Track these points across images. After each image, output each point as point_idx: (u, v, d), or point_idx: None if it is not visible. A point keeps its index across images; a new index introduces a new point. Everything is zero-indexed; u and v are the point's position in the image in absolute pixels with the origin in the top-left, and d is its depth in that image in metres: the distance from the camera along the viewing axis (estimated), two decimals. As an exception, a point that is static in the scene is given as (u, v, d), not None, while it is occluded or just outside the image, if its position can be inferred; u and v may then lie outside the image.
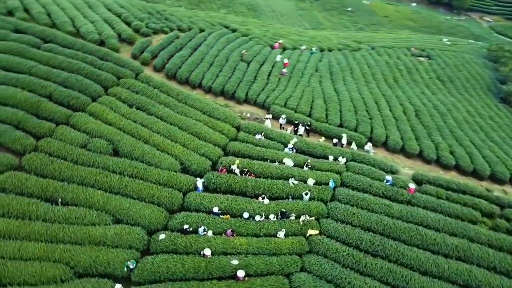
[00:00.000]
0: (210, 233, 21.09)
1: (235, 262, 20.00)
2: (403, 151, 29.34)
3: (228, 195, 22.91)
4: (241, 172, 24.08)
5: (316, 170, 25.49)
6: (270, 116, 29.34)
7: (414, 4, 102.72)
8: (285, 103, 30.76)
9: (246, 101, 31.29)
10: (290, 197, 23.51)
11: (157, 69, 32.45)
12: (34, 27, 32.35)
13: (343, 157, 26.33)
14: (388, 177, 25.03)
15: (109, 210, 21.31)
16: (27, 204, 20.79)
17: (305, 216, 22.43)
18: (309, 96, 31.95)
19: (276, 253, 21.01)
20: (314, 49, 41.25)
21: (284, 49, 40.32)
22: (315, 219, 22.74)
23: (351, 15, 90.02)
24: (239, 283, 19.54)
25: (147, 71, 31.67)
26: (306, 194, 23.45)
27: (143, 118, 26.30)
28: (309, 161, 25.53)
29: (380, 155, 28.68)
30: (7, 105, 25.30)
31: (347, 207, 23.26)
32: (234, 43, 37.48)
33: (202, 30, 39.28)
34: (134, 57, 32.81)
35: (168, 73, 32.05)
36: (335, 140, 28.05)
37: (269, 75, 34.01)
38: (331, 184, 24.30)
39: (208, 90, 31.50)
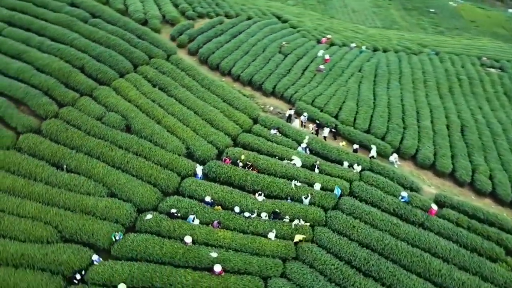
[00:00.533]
0: (197, 221, 20.81)
1: (214, 254, 19.51)
2: (433, 168, 26.45)
3: (225, 186, 22.37)
4: (244, 166, 23.38)
5: (326, 174, 23.95)
6: (292, 111, 28.09)
7: (511, 10, 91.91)
8: (313, 101, 29.23)
9: (273, 93, 30.28)
10: (289, 198, 22.37)
11: (191, 53, 32.62)
12: (87, 2, 34.14)
13: (358, 165, 24.41)
14: (404, 194, 22.71)
15: (106, 183, 21.91)
16: (35, 166, 22.12)
17: (299, 221, 21.20)
18: (341, 97, 30.03)
19: (259, 253, 20.10)
20: (364, 47, 38.68)
21: (332, 44, 38.33)
22: (310, 225, 21.43)
23: (432, 17, 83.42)
24: (213, 276, 19.03)
25: (182, 54, 31.99)
26: (306, 197, 22.13)
27: (162, 99, 26.60)
28: (318, 162, 24.04)
29: (405, 169, 26.15)
30: (43, 72, 27.06)
31: (349, 218, 21.54)
32: (278, 34, 36.41)
33: (249, 18, 38.74)
34: (173, 38, 33.33)
35: (200, 58, 32.07)
36: (355, 146, 26.08)
37: (304, 70, 32.55)
38: (336, 191, 22.66)
39: (237, 79, 30.99)
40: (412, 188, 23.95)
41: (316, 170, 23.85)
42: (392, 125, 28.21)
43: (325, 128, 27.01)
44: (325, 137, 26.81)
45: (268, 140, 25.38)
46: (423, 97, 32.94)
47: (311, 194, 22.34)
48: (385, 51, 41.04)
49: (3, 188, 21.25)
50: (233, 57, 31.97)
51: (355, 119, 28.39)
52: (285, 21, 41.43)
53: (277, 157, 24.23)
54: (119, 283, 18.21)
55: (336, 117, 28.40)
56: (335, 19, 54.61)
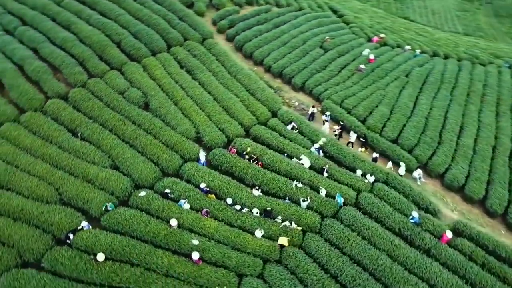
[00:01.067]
0: (187, 206, 20.66)
1: (195, 242, 19.26)
2: (462, 192, 23.53)
3: (224, 176, 21.93)
4: (249, 158, 22.69)
5: (334, 180, 22.43)
6: (315, 109, 26.62)
7: None
8: (342, 101, 27.39)
9: (302, 89, 28.93)
10: (287, 198, 21.31)
11: (228, 39, 32.29)
12: (141, -20, 35.33)
13: (371, 175, 22.48)
14: (415, 214, 20.50)
15: (112, 155, 22.58)
16: (54, 129, 23.44)
17: (291, 223, 20.11)
18: (375, 101, 27.76)
19: (240, 249, 19.46)
20: (418, 51, 35.38)
21: (384, 44, 35.60)
22: (302, 230, 20.25)
23: (530, 27, 74.52)
24: (189, 263, 18.82)
25: (219, 39, 31.85)
26: (304, 200, 20.92)
27: (186, 81, 26.70)
28: (327, 166, 22.56)
29: (428, 187, 23.60)
30: (84, 43, 28.53)
31: (345, 230, 20.00)
32: (325, 28, 34.62)
33: (300, 9, 37.36)
34: (214, 23, 33.26)
35: (236, 45, 31.62)
36: (375, 154, 24.02)
37: (342, 68, 30.60)
38: (338, 199, 21.11)
39: (268, 69, 30.08)
40: (428, 210, 21.54)
41: (325, 174, 22.43)
42: (424, 138, 25.52)
43: (352, 133, 25.23)
44: (351, 143, 25.05)
45: (281, 135, 24.37)
46: (475, 112, 29.35)
47: (311, 198, 21.08)
48: (446, 57, 37.24)
49: (22, 146, 22.85)
50: (269, 47, 31.06)
51: (384, 126, 26.16)
52: (340, 16, 39.42)
53: (286, 154, 23.17)
54: (99, 252, 18.81)
55: (363, 121, 26.40)
56: (402, 19, 50.64)
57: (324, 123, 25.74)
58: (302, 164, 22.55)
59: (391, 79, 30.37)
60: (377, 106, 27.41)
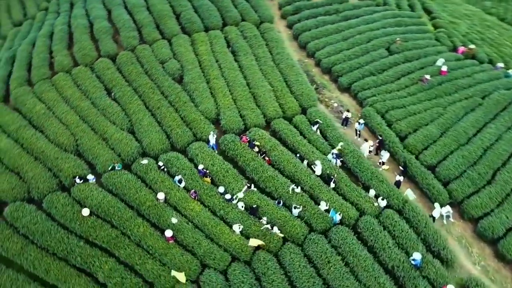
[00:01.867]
0: (182, 184, 20.57)
1: (174, 220, 19.25)
2: (495, 246, 19.32)
3: (227, 163, 21.26)
4: (259, 151, 21.62)
5: (339, 194, 20.25)
6: (350, 114, 24.04)
7: None
8: (386, 111, 24.28)
9: (348, 90, 26.38)
10: (280, 201, 19.88)
11: (289, 25, 30.73)
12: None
13: (383, 199, 19.72)
14: (417, 256, 17.53)
15: (132, 119, 23.48)
16: (93, 85, 25.13)
17: (273, 227, 18.77)
18: (426, 118, 23.94)
19: (213, 239, 18.87)
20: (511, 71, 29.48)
21: (472, 57, 30.43)
22: (284, 237, 18.77)
23: None
24: (161, 239, 18.92)
25: (279, 25, 30.59)
26: (296, 207, 19.31)
27: (226, 61, 26.25)
28: (336, 175, 20.40)
29: (454, 230, 19.94)
30: (149, 10, 29.85)
31: (330, 250, 18.07)
32: (401, 29, 30.67)
33: (384, 4, 33.78)
34: (280, 7, 31.95)
35: (294, 33, 29.95)
36: (398, 177, 20.95)
37: (404, 75, 27.00)
38: (332, 215, 19.01)
39: (318, 64, 27.99)
40: (439, 255, 18.21)
41: (332, 185, 20.36)
42: (471, 173, 21.37)
43: (384, 152, 22.32)
44: (382, 163, 22.28)
45: (302, 135, 22.69)
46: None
47: (304, 206, 19.37)
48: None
49: (64, 95, 24.98)
50: (327, 40, 28.79)
51: (425, 149, 22.63)
52: (433, 18, 34.84)
53: (298, 155, 21.55)
54: (89, 205, 19.90)
55: (403, 139, 23.17)
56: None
57: (364, 141, 22.84)
58: (315, 169, 20.72)
59: (460, 98, 25.94)
60: (426, 125, 23.76)
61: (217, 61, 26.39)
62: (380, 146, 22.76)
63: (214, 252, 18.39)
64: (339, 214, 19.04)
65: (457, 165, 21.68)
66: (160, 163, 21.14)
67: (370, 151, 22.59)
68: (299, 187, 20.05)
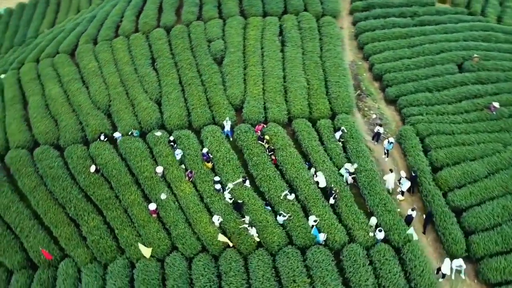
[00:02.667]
0: (182, 167, 20.66)
1: (163, 196, 19.68)
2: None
3: (232, 152, 20.64)
4: (268, 148, 20.53)
5: (335, 212, 18.32)
6: (382, 130, 21.26)
7: None
8: (428, 135, 20.95)
9: (394, 102, 23.37)
10: (269, 204, 18.72)
11: (354, 22, 28.08)
12: None
13: (380, 231, 17.27)
14: (395, 304, 15.13)
15: (162, 90, 24.11)
16: (141, 54, 26.40)
17: (253, 229, 17.79)
18: (475, 153, 19.96)
19: (191, 225, 18.71)
20: None
21: None
22: (259, 242, 17.70)
23: None
24: (146, 210, 19.33)
25: (344, 20, 28.21)
26: (281, 215, 18.01)
27: (270, 50, 25.21)
28: (337, 190, 18.42)
29: (458, 286, 16.70)
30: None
31: (300, 269, 16.68)
32: (488, 45, 25.66)
33: (481, 14, 28.88)
34: (352, 1, 29.37)
35: (356, 31, 27.28)
36: (410, 212, 18.06)
37: (467, 98, 22.77)
38: (315, 233, 17.28)
39: (370, 68, 25.21)
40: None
41: (331, 201, 18.49)
42: (507, 230, 17.44)
43: (404, 180, 19.28)
44: (402, 193, 19.61)
45: (320, 140, 20.91)
46: None
47: (290, 216, 17.96)
48: None
49: (116, 58, 26.60)
50: (388, 44, 25.69)
51: (458, 188, 19.13)
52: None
53: (307, 162, 19.96)
54: (95, 163, 21.13)
55: (436, 170, 19.90)
56: None
57: (389, 172, 19.71)
58: (317, 182, 19.03)
59: (530, 137, 21.32)
60: (472, 160, 20.03)
61: (262, 48, 25.50)
62: (413, 185, 19.72)
63: (186, 237, 18.19)
64: (324, 234, 17.29)
65: (492, 215, 17.96)
66: (171, 138, 21.40)
67: (401, 191, 19.62)
68: (293, 195, 18.63)
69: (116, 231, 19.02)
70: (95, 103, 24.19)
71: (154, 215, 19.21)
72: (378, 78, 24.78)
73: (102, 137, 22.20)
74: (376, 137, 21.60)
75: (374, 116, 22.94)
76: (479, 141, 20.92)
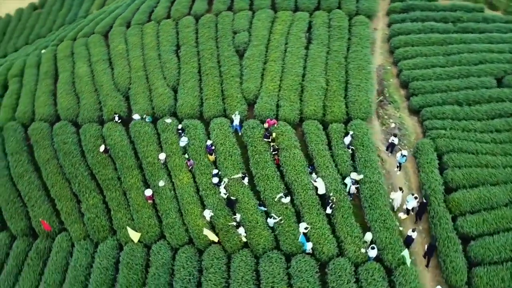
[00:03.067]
0: (185, 155, 20.61)
1: (161, 183, 19.86)
2: None
3: (236, 147, 20.23)
4: (272, 146, 19.87)
5: (329, 222, 17.37)
6: (396, 140, 19.73)
7: None
8: (447, 152, 19.16)
9: (418, 113, 21.63)
10: (262, 204, 18.14)
11: (388, 24, 26.23)
12: None
13: (373, 248, 16.10)
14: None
15: (180, 78, 24.21)
16: (167, 40, 26.44)
17: (241, 228, 17.34)
18: (498, 176, 17.82)
19: (182, 215, 18.62)
20: None
21: None
22: (246, 242, 17.22)
23: None
24: (143, 195, 19.56)
25: (380, 22, 26.51)
26: (272, 217, 17.41)
27: (294, 46, 24.26)
28: (334, 199, 17.43)
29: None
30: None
31: (281, 276, 16.09)
32: None
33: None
34: (391, 1, 27.52)
35: (390, 33, 25.42)
36: (410, 232, 16.62)
37: (501, 116, 20.46)
38: (302, 241, 16.46)
39: (398, 74, 23.48)
40: None
41: (328, 210, 17.54)
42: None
43: (411, 198, 17.81)
44: (407, 211, 18.17)
45: (328, 144, 19.90)
46: None
47: (281, 220, 17.28)
48: None
49: (144, 42, 26.95)
50: (421, 49, 23.71)
51: (470, 213, 17.35)
52: None
53: (310, 166, 19.08)
54: (105, 143, 21.65)
55: (449, 191, 18.21)
56: None
57: (399, 189, 18.18)
58: (316, 187, 18.13)
59: None
60: (493, 185, 18.09)
61: (286, 44, 24.67)
62: (420, 211, 18.07)
63: (175, 227, 18.18)
64: (311, 243, 16.46)
65: (504, 248, 16.13)
66: (180, 126, 21.40)
67: (407, 210, 18.16)
68: (288, 198, 17.90)
69: (112, 212, 19.41)
70: (116, 84, 24.77)
71: (150, 201, 19.36)
72: (404, 85, 23.05)
73: (116, 118, 22.70)
74: (390, 148, 20.19)
75: (392, 125, 21.43)
76: (505, 165, 18.88)
